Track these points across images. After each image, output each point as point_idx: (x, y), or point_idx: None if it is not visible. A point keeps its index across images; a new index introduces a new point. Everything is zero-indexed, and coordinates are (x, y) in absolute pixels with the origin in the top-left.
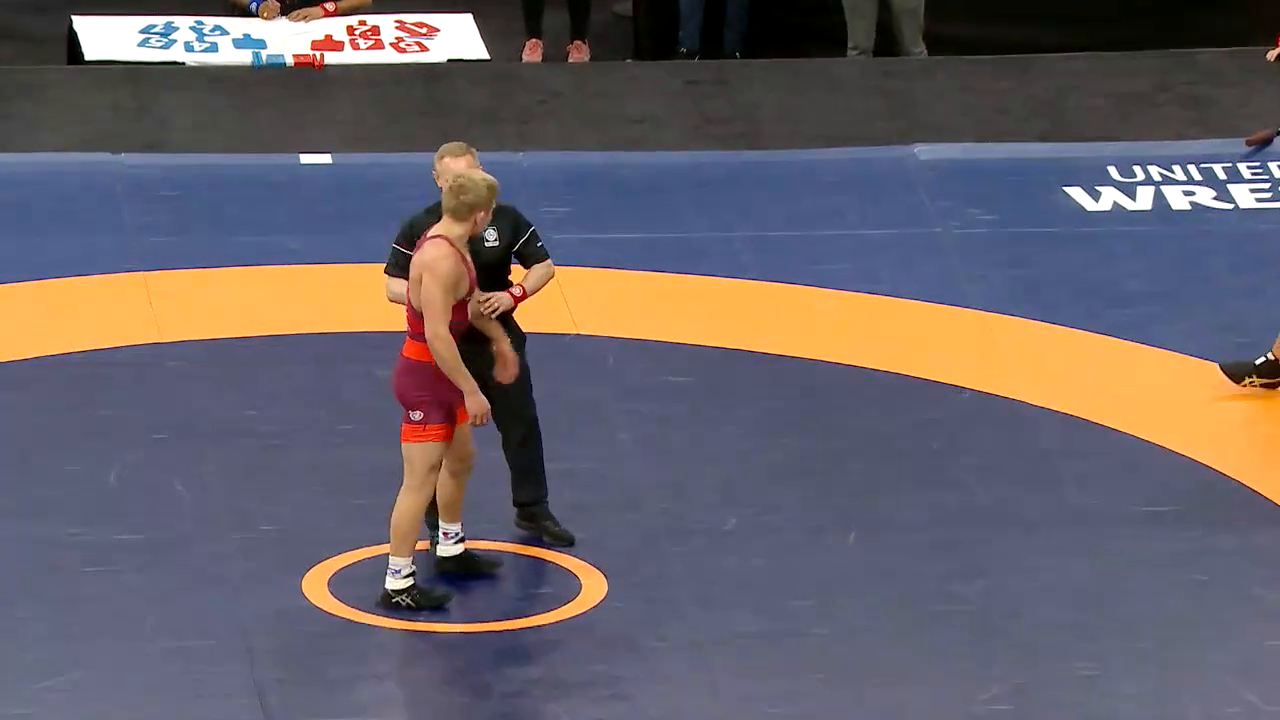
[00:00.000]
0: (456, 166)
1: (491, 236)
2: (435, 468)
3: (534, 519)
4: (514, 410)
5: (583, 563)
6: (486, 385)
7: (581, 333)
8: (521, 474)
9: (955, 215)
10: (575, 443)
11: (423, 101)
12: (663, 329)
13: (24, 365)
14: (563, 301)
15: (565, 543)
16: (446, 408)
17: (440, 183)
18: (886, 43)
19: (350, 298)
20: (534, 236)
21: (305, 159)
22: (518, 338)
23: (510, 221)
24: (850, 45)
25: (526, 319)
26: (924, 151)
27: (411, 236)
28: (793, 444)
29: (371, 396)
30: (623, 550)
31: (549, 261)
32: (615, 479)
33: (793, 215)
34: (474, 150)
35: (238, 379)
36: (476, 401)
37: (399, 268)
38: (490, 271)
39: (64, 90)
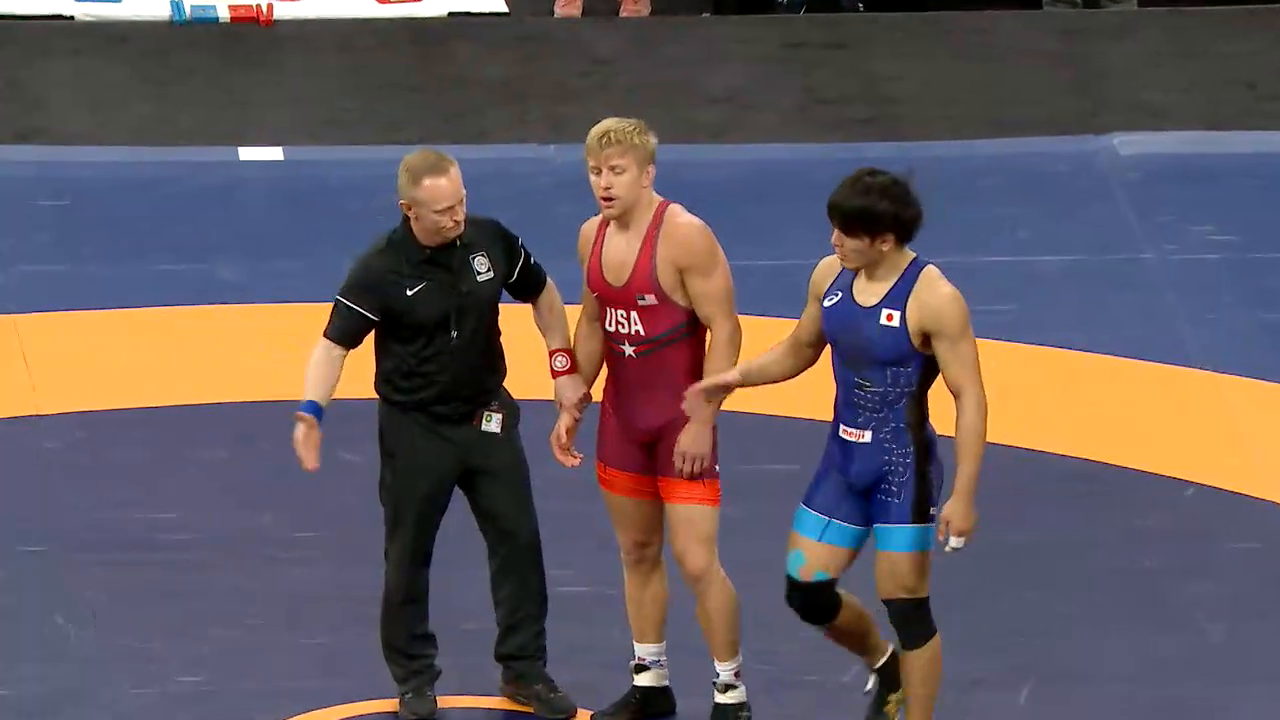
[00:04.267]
0: (453, 188)
1: (483, 267)
2: None
3: (521, 680)
4: (507, 517)
5: None
6: (473, 477)
7: None
8: (512, 613)
9: (1172, 234)
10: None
11: (413, 72)
12: (757, 396)
13: None
14: None
15: (560, 714)
16: None
17: (415, 213)
18: None
19: (304, 349)
20: (527, 254)
21: (246, 154)
22: (510, 411)
23: (501, 243)
24: None
25: (528, 378)
26: (1125, 143)
27: (366, 286)
28: (941, 560)
29: (332, 491)
30: (697, 713)
31: (551, 284)
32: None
33: (939, 235)
34: (453, 161)
35: (143, 468)
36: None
37: (341, 334)
38: (480, 315)
39: None
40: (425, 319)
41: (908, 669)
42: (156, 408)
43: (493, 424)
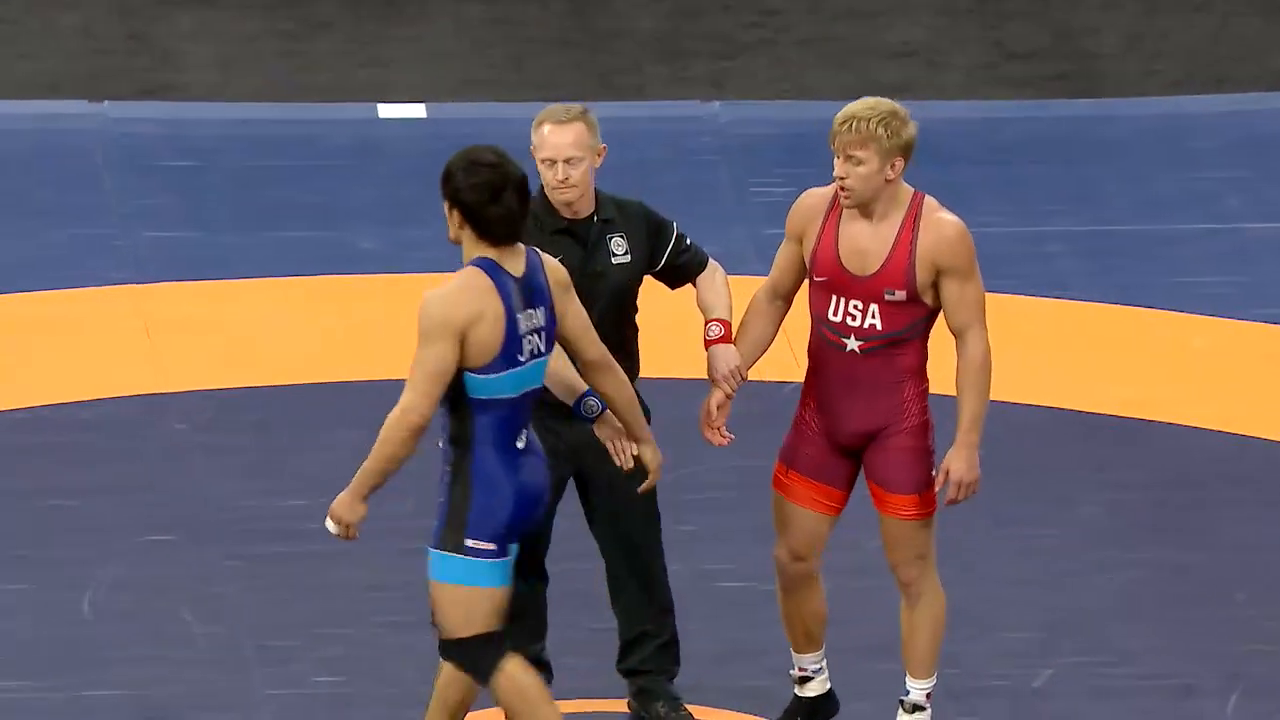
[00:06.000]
0: (559, 140)
1: (619, 249)
2: None
3: (642, 696)
4: (625, 524)
5: None
6: (587, 486)
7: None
8: (629, 627)
9: None
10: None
11: (565, 24)
12: (937, 376)
13: None
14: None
15: None
16: None
17: (538, 159)
18: None
19: None
20: (680, 239)
21: (386, 111)
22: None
23: (645, 227)
24: None
25: (677, 355)
26: None
27: None
28: (1146, 556)
29: None
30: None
31: (715, 265)
32: (867, 603)
33: (1145, 200)
34: (591, 115)
35: (273, 451)
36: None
37: None
38: (609, 299)
39: (12, 6)
40: None
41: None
42: (288, 385)
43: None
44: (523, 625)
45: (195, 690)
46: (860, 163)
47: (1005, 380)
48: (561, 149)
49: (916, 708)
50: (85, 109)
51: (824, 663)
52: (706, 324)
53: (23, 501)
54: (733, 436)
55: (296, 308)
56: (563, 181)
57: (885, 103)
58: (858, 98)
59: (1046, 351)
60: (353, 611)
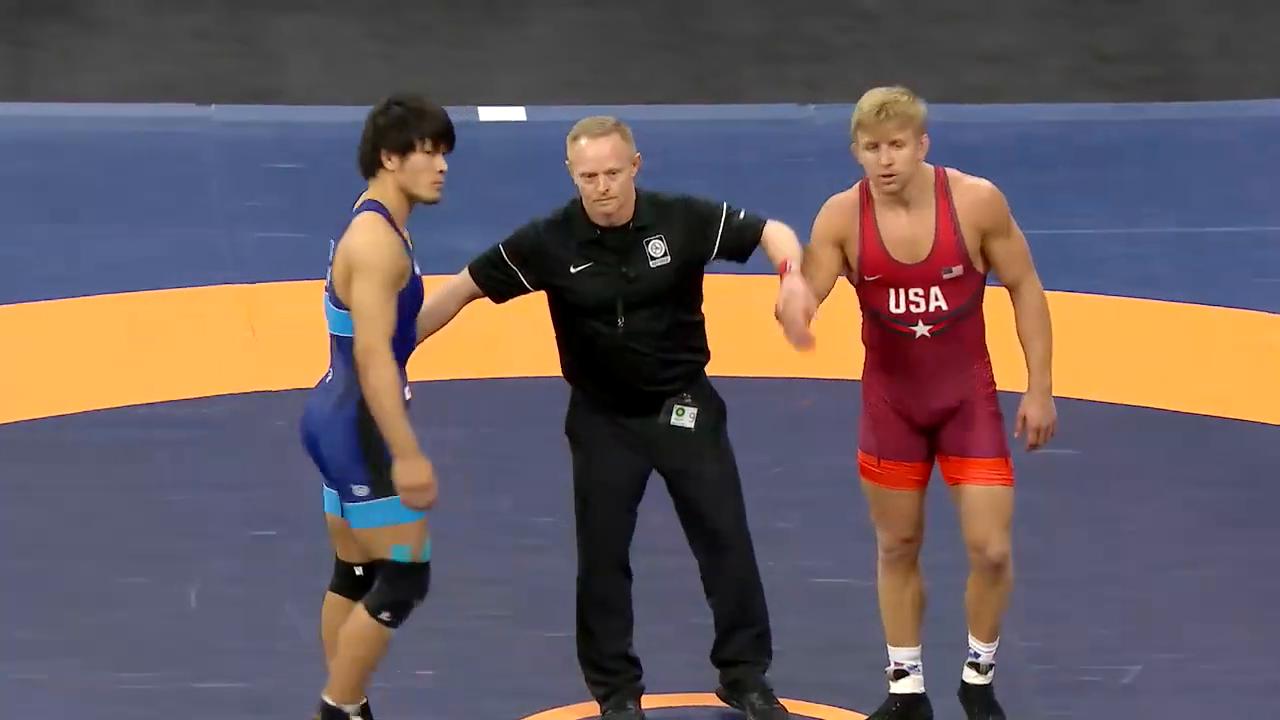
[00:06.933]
0: (597, 153)
1: (657, 251)
2: None
3: (735, 686)
4: (711, 519)
5: None
6: (671, 479)
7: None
8: (721, 618)
9: None
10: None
11: (662, 28)
12: (1024, 378)
13: (65, 423)
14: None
15: None
16: None
17: (576, 173)
18: None
19: (547, 325)
20: (731, 215)
21: (486, 114)
22: (710, 405)
23: (683, 222)
24: None
25: (769, 354)
26: None
27: (528, 249)
28: (1235, 553)
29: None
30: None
31: (775, 223)
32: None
33: (1237, 202)
34: (625, 126)
35: None
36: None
37: (481, 273)
38: (654, 302)
39: (118, 8)
40: (588, 302)
41: None
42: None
43: (684, 418)
44: (609, 621)
45: (298, 683)
46: (903, 145)
47: (1094, 378)
48: (601, 161)
49: (991, 667)
50: (194, 112)
51: (919, 662)
52: (782, 263)
53: (135, 496)
54: (815, 337)
55: None
56: (604, 194)
57: (895, 87)
58: (950, 102)
59: (1136, 350)
60: (453, 606)
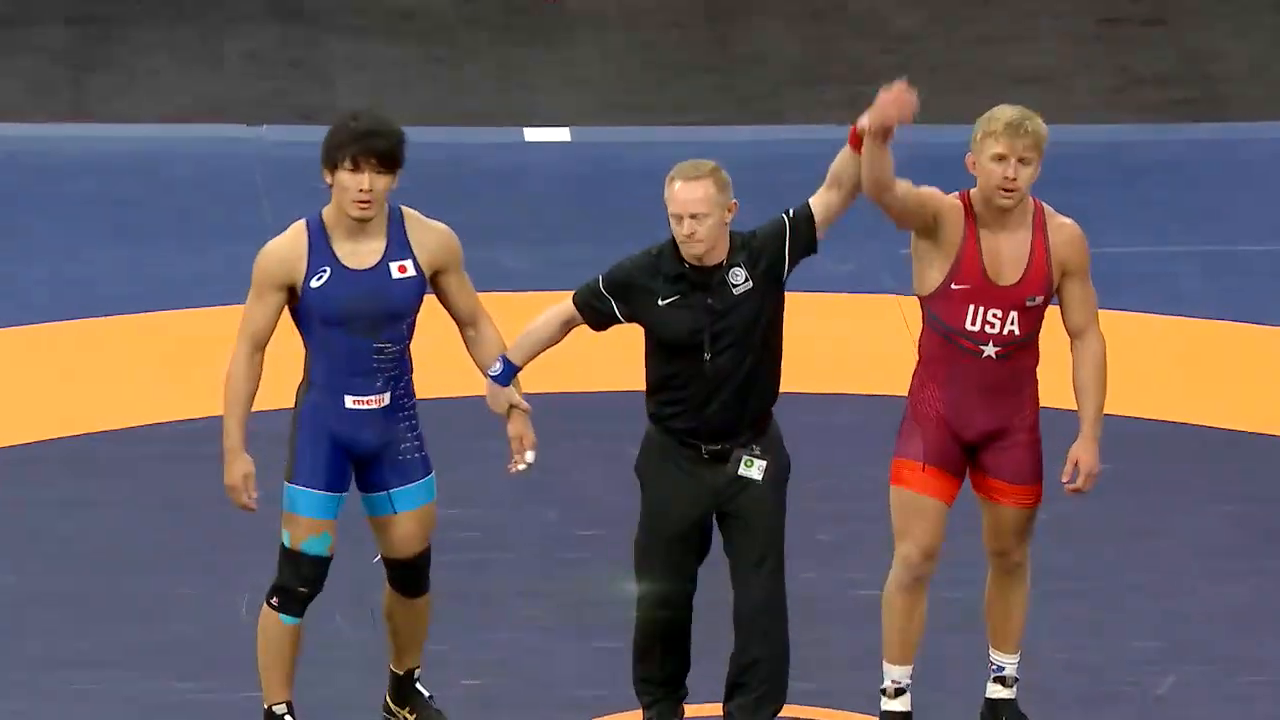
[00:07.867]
0: (687, 196)
1: (738, 278)
2: None
3: None
4: (740, 569)
5: None
6: (723, 517)
7: None
8: (743, 654)
9: None
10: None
11: (705, 50)
12: (1066, 394)
13: (121, 437)
14: (907, 332)
15: None
16: None
17: (669, 212)
18: None
19: (595, 341)
20: (788, 217)
21: (532, 134)
22: (778, 460)
23: (760, 246)
24: None
25: (815, 371)
26: None
27: (622, 283)
28: (1270, 566)
29: (622, 489)
30: None
31: (813, 198)
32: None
33: (1271, 222)
34: (723, 172)
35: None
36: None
37: (585, 305)
38: (742, 336)
39: (174, 31)
40: (676, 336)
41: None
42: (445, 398)
43: (753, 470)
44: (669, 660)
45: (345, 693)
46: (1029, 163)
47: (1130, 395)
48: (689, 205)
49: (1016, 680)
50: (245, 133)
51: (909, 681)
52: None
53: (194, 508)
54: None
55: (446, 323)
56: (689, 236)
57: (1024, 107)
58: None
59: (1170, 368)
60: (500, 616)
